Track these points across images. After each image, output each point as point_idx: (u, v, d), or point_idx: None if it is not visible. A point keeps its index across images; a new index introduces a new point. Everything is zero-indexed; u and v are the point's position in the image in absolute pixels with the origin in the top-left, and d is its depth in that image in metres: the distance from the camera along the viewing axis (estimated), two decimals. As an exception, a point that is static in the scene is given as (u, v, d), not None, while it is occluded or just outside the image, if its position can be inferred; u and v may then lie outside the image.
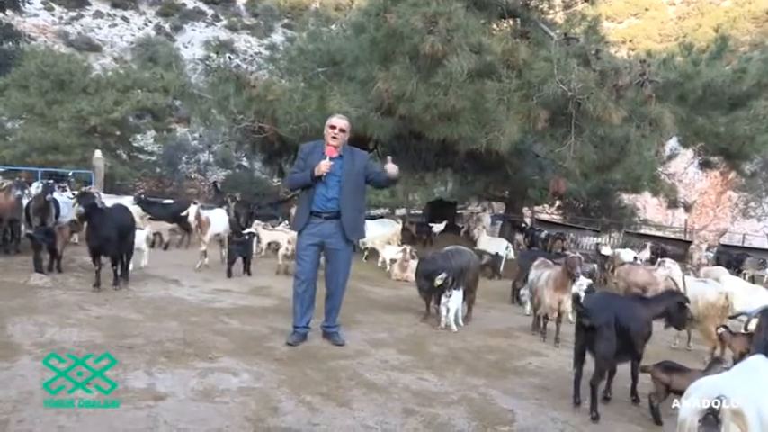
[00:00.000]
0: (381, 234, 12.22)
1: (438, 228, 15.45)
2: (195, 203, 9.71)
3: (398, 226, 12.96)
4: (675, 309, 4.95)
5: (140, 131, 26.50)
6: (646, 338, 4.81)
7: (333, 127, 5.41)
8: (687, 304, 5.04)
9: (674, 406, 3.60)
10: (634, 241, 19.30)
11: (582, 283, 5.90)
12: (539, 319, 7.13)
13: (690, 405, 2.76)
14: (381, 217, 16.68)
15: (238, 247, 9.07)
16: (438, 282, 6.67)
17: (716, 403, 2.62)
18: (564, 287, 6.49)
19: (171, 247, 11.21)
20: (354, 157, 5.53)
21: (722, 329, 5.72)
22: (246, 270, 9.08)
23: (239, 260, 9.00)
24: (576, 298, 4.78)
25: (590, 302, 4.76)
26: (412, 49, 9.87)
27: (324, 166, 5.26)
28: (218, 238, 9.66)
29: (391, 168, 5.39)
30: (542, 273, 6.99)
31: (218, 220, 9.59)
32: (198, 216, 9.10)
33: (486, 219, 16.28)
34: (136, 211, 9.90)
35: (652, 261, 15.08)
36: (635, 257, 12.49)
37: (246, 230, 10.13)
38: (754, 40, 41.75)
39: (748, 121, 16.27)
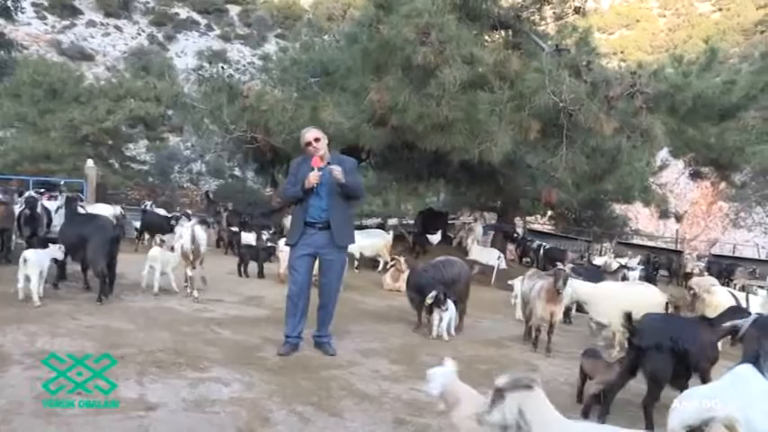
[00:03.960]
0: (370, 244, 12.20)
1: (435, 238, 15.49)
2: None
3: (389, 237, 12.94)
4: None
5: (133, 140, 26.44)
6: (712, 362, 4.67)
7: (308, 144, 5.47)
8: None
9: (672, 407, 3.57)
10: (626, 250, 19.40)
11: None
12: (530, 329, 7.14)
13: (678, 416, 2.79)
14: (381, 226, 16.66)
15: (250, 251, 10.37)
16: (429, 300, 6.70)
17: (705, 414, 2.64)
18: (555, 299, 6.50)
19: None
20: (342, 165, 5.55)
21: None
22: (260, 274, 10.18)
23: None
24: (627, 317, 4.72)
25: (644, 323, 4.70)
26: (404, 59, 9.92)
27: (313, 178, 5.30)
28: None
29: (335, 172, 5.30)
30: (535, 284, 7.00)
31: None
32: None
33: (478, 229, 16.31)
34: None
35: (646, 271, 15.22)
36: (625, 265, 12.59)
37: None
38: (743, 52, 42.09)
39: (738, 131, 16.45)
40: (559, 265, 6.93)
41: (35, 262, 6.44)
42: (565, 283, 6.45)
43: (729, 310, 5.09)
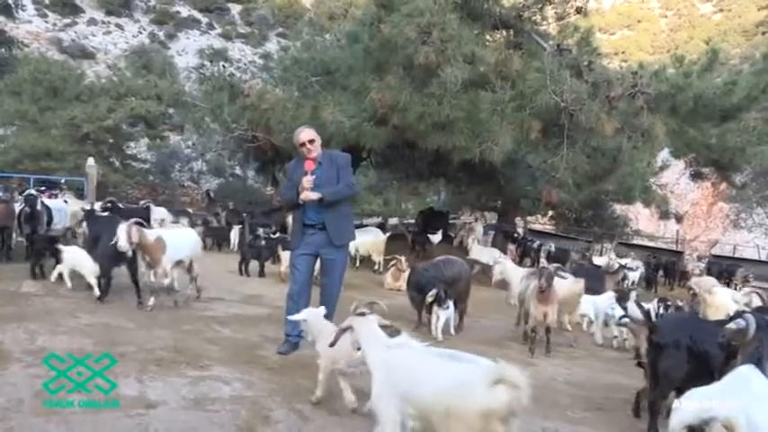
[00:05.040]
0: (362, 242, 12.15)
1: (435, 238, 15.48)
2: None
3: (383, 236, 12.91)
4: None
5: (134, 139, 26.46)
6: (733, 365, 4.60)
7: (302, 144, 5.44)
8: None
9: (674, 406, 3.55)
10: (628, 251, 19.39)
11: None
12: (530, 329, 7.12)
13: (678, 415, 2.79)
14: (381, 226, 16.64)
15: (251, 250, 10.34)
16: (429, 298, 6.69)
17: (705, 414, 2.64)
18: (546, 299, 6.48)
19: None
20: (333, 162, 5.55)
21: None
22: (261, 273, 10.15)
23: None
24: (646, 314, 4.66)
25: (664, 321, 4.60)
26: (406, 59, 9.92)
27: (306, 183, 5.29)
28: None
29: (310, 196, 5.31)
30: (530, 283, 6.98)
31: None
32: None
33: (479, 229, 16.30)
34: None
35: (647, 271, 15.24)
36: (625, 265, 12.59)
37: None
38: (744, 53, 42.13)
39: (739, 132, 16.41)
40: (543, 263, 6.95)
41: (69, 259, 7.19)
42: (548, 282, 6.41)
43: (758, 309, 4.99)
